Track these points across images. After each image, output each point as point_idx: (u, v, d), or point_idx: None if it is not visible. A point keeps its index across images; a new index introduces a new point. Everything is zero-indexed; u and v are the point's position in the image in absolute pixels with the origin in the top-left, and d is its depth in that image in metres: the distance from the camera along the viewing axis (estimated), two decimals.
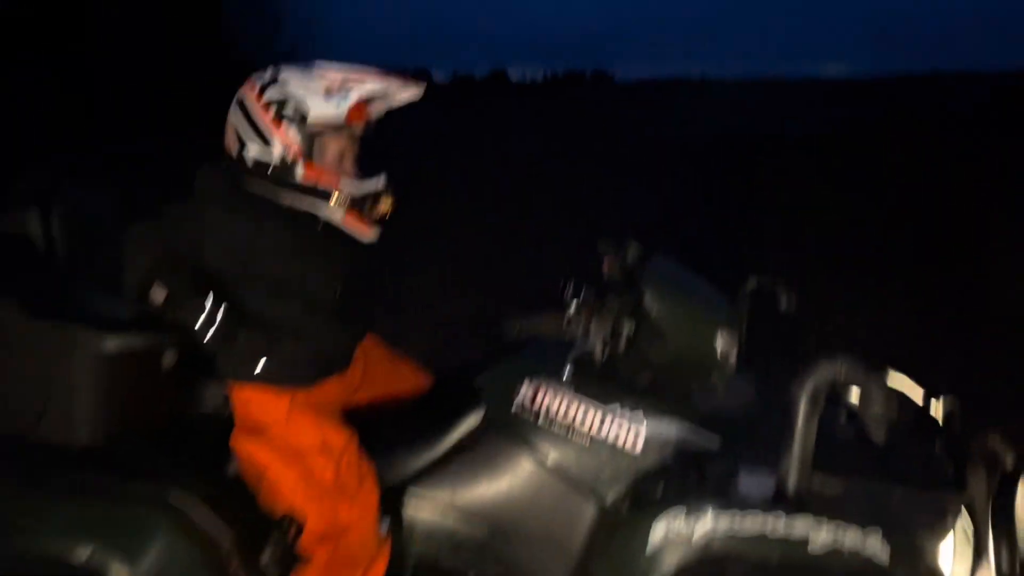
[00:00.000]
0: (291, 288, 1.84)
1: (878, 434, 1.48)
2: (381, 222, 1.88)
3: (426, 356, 2.30)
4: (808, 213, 8.33)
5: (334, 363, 1.92)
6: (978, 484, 1.53)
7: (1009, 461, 1.65)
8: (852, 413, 1.67)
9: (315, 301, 1.86)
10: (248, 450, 1.81)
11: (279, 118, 1.78)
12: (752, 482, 1.59)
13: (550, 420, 1.80)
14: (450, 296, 5.49)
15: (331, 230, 1.85)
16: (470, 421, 1.87)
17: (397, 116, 1.97)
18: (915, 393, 1.87)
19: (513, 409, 1.83)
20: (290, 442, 1.80)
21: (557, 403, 1.80)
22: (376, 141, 1.94)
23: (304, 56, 2.11)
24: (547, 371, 1.82)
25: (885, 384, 1.45)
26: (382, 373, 2.07)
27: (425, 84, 1.88)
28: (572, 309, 1.79)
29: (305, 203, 1.83)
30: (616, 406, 1.78)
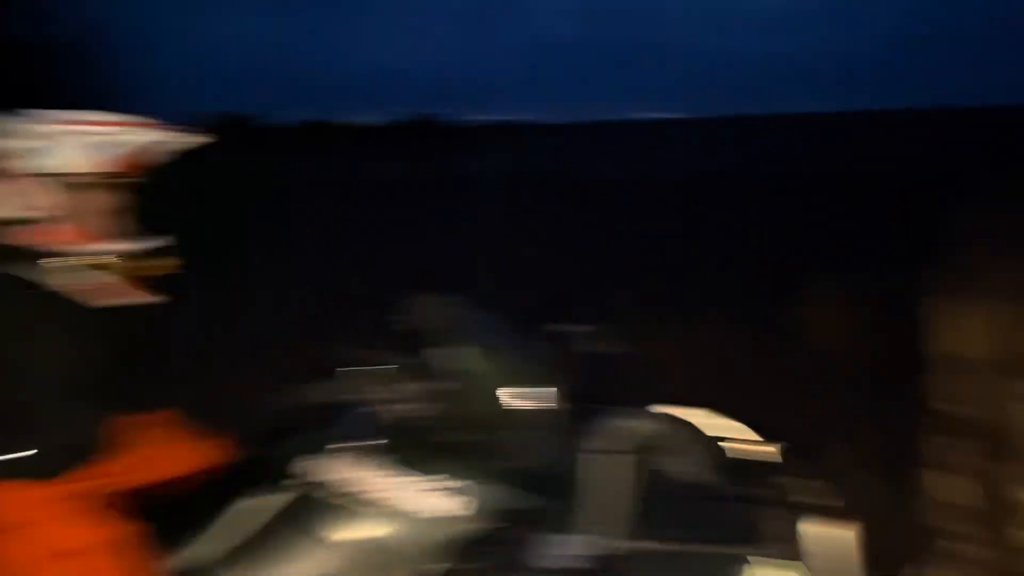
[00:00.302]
0: (22, 369, 1.59)
1: (695, 488, 1.44)
2: (154, 284, 1.68)
3: (234, 424, 2.09)
4: (641, 255, 8.60)
5: (85, 450, 1.67)
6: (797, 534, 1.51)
7: (834, 509, 1.65)
8: (670, 466, 1.62)
9: (55, 382, 1.62)
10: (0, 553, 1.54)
11: (9, 171, 1.56)
12: (570, 545, 1.51)
13: (360, 492, 1.66)
14: (264, 358, 5.19)
15: (81, 298, 1.63)
16: (273, 499, 1.70)
17: (215, 164, 1.81)
18: (744, 439, 1.85)
19: (319, 482, 1.68)
20: (48, 543, 1.55)
21: (367, 473, 1.67)
22: (179, 194, 1.76)
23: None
24: (355, 439, 1.70)
25: (697, 435, 1.40)
26: (167, 451, 1.85)
27: (205, 137, 1.72)
28: (375, 373, 1.67)
29: (38, 269, 1.60)
30: (429, 471, 1.68)
